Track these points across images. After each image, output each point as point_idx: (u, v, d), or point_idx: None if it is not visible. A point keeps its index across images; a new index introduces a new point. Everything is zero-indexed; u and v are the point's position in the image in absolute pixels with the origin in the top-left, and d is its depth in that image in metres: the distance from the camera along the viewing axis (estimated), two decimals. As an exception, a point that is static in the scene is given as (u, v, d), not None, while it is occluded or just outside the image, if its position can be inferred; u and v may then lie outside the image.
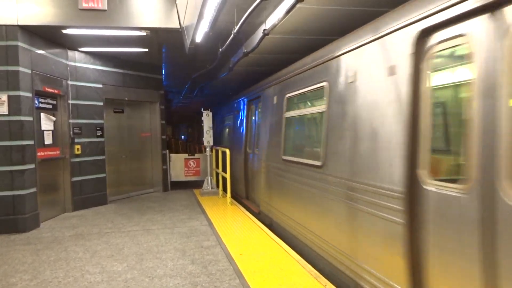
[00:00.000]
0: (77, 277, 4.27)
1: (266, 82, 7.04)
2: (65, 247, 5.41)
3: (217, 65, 8.78)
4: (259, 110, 7.40)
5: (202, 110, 9.86)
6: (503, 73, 2.16)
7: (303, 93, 5.14)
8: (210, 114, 9.74)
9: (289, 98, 5.69)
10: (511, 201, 2.09)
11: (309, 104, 5.18)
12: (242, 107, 8.93)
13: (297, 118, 5.55)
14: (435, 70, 2.77)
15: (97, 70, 8.44)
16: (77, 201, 7.96)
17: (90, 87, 8.26)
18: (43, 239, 5.86)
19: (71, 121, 7.81)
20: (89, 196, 8.22)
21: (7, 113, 6.18)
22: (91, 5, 6.34)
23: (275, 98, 6.30)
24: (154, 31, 6.71)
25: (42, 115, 7.03)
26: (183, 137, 34.10)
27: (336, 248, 3.95)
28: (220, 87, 12.28)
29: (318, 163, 4.42)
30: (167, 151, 10.47)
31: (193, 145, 18.35)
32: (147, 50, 8.11)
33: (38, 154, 6.78)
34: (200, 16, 5.19)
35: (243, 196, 8.61)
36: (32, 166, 6.50)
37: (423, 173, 2.76)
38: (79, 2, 6.31)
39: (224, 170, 8.88)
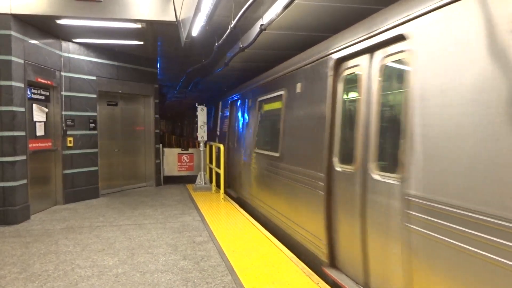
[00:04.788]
0: (67, 271, 4.23)
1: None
2: (56, 240, 5.36)
3: (213, 60, 8.72)
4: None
5: (196, 105, 9.80)
6: None
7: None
8: (205, 109, 9.70)
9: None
10: None
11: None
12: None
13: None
14: None
15: (91, 62, 8.34)
16: (69, 194, 7.88)
17: (84, 79, 8.17)
18: (33, 232, 5.79)
19: (63, 113, 7.72)
20: (81, 189, 8.14)
21: (-2, 103, 6.11)
22: (86, -5, 6.26)
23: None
24: (149, 23, 6.64)
25: (34, 106, 6.94)
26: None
27: None
28: (215, 83, 12.21)
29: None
30: (161, 145, 10.42)
31: (187, 140, 18.26)
32: (142, 43, 8.03)
33: (30, 145, 6.69)
34: (197, 10, 5.14)
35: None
36: (23, 157, 6.42)
37: None
38: (74, -8, 6.22)
39: (218, 165, 8.84)
